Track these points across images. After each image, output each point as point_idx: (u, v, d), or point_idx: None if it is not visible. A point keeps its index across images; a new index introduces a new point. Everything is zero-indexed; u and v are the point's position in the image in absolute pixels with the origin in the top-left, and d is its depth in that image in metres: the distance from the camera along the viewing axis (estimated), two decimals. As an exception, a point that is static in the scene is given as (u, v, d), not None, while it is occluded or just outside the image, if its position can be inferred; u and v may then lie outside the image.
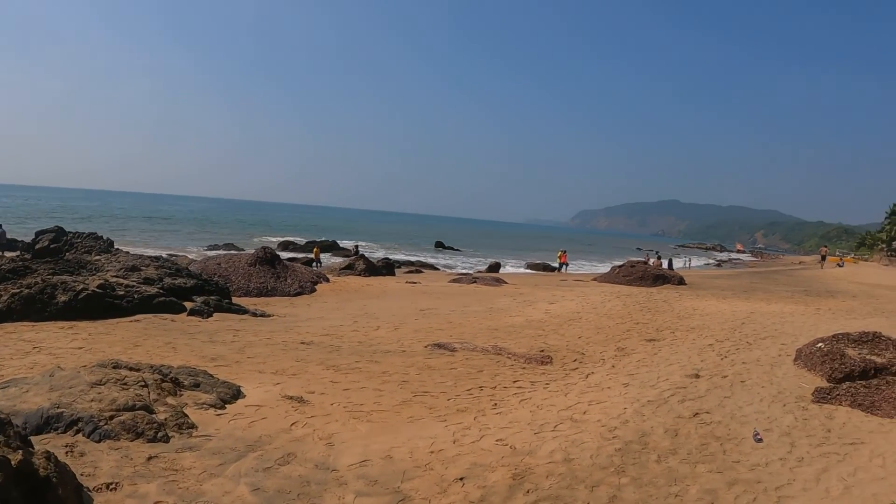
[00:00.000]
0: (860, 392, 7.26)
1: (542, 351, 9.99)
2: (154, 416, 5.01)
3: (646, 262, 31.49)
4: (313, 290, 17.34)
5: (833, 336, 9.62)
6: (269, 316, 12.90)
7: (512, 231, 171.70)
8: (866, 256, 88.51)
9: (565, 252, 38.86)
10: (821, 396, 7.45)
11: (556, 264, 38.71)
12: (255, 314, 12.74)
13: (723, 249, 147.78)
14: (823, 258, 50.81)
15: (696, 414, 6.74)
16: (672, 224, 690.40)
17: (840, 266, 47.49)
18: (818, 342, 9.72)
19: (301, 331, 11.09)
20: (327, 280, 19.34)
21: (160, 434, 4.78)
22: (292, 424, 5.58)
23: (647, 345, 11.07)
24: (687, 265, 49.79)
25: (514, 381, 7.89)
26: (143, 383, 5.56)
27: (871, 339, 8.95)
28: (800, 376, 8.70)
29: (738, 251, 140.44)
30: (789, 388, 8.08)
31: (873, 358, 8.27)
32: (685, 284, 24.40)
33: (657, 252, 45.13)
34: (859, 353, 8.51)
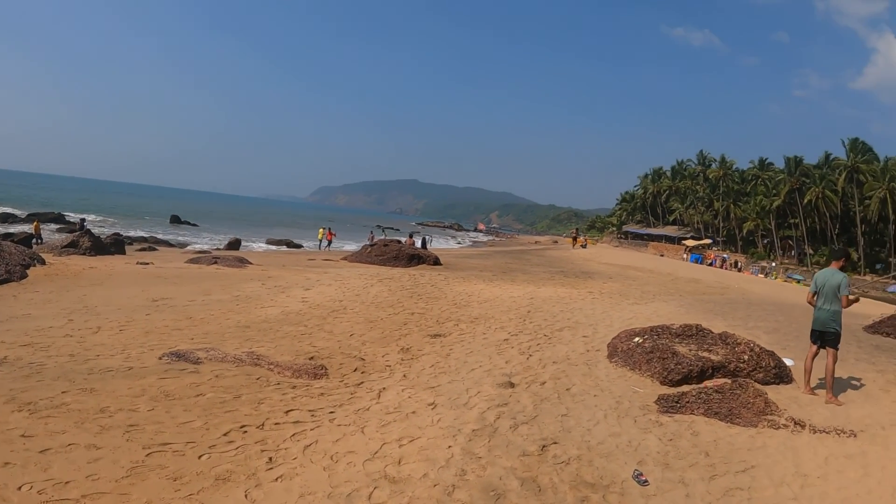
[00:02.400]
0: (713, 398, 6.86)
1: (312, 357, 8.08)
2: None
3: (370, 240, 33.88)
4: (24, 276, 14.24)
5: (651, 329, 9.49)
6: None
7: (250, 206, 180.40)
8: (597, 238, 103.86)
9: (331, 230, 40.71)
10: (669, 405, 6.89)
11: (305, 243, 40.72)
12: None
13: (460, 228, 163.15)
14: (575, 239, 58.38)
15: (544, 447, 5.52)
16: (410, 203, 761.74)
17: (584, 247, 55.28)
18: (632, 336, 9.51)
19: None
20: (43, 262, 16.07)
21: None
22: None
23: (432, 342, 9.94)
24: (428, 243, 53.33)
25: (288, 412, 5.86)
26: None
27: (696, 334, 8.93)
28: (626, 378, 8.24)
29: (479, 230, 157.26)
30: (624, 394, 7.47)
31: (708, 355, 8.11)
32: (441, 265, 24.87)
33: (411, 232, 47.41)
34: (690, 350, 8.32)
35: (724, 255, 71.52)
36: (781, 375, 8.17)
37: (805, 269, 67.06)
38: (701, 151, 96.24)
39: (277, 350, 8.32)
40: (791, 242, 75.70)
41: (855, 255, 65.61)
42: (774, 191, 74.37)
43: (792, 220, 73.47)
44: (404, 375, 7.76)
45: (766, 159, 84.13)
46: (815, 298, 7.88)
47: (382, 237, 43.13)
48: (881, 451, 6.04)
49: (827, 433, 6.40)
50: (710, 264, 63.05)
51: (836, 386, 7.85)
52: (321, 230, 42.28)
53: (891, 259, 63.13)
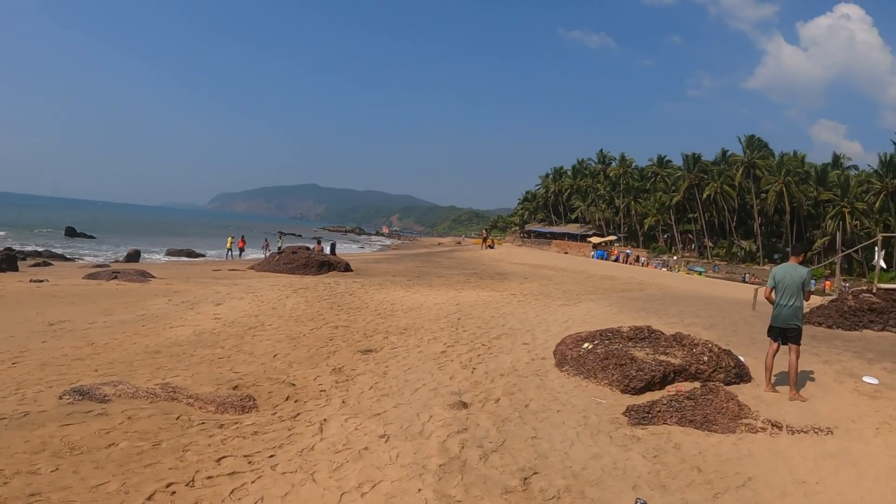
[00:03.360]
0: (686, 405, 6.59)
1: (236, 387, 7.21)
2: None
3: (265, 247, 35.98)
4: None
5: (599, 334, 9.24)
6: None
7: (148, 215, 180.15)
8: (499, 238, 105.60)
9: (243, 238, 40.69)
10: (640, 417, 6.56)
11: (207, 252, 40.22)
12: None
13: (362, 232, 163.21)
14: (484, 240, 59.29)
15: (526, 479, 5.02)
16: (311, 207, 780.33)
17: (492, 248, 55.97)
18: (579, 341, 9.23)
19: None
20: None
21: None
22: None
23: (365, 359, 9.29)
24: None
25: (220, 460, 5.01)
26: None
27: (649, 336, 8.74)
28: (583, 388, 7.91)
29: (383, 233, 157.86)
30: (588, 407, 7.11)
31: (667, 359, 7.89)
32: (352, 271, 24.33)
33: (319, 238, 46.44)
34: (648, 355, 8.07)
35: (627, 251, 74.46)
36: (741, 375, 8.07)
37: (706, 261, 70.79)
38: (601, 150, 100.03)
39: (195, 379, 7.37)
40: (691, 236, 79.72)
41: (753, 247, 69.94)
42: (674, 187, 78.19)
43: (691, 215, 77.35)
44: (343, 401, 7.05)
45: (664, 157, 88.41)
46: (772, 294, 7.78)
47: (279, 244, 41.97)
48: (862, 447, 6.02)
49: (805, 433, 6.33)
50: (615, 260, 65.46)
51: (786, 380, 7.88)
52: (230, 238, 41.34)
53: (787, 249, 67.42)
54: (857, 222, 60.23)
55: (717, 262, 70.55)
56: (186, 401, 6.36)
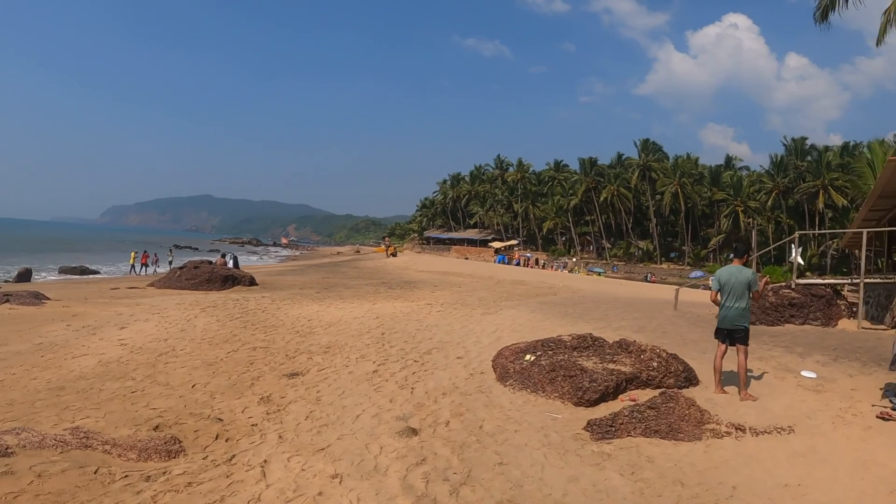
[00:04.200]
0: (648, 415, 6.44)
1: (157, 427, 6.39)
2: None
3: (154, 262, 36.59)
4: None
5: (541, 344, 9.05)
6: None
7: (36, 231, 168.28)
8: (398, 245, 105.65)
9: (146, 252, 39.56)
10: (603, 431, 6.35)
11: (102, 268, 38.75)
12: None
13: (259, 243, 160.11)
14: (387, 248, 59.26)
15: (507, 513, 4.59)
16: (205, 219, 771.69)
17: (395, 255, 55.85)
18: (519, 353, 9.00)
19: None
20: None
21: None
22: None
23: (293, 384, 8.65)
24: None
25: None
26: None
27: (593, 345, 8.62)
28: (533, 403, 7.67)
29: (283, 244, 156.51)
30: (545, 424, 6.85)
31: (618, 368, 7.75)
32: (258, 285, 23.51)
33: (223, 252, 44.67)
34: (596, 364, 7.90)
35: (528, 255, 76.05)
36: (690, 378, 8.09)
37: (604, 262, 73.35)
38: (498, 156, 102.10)
39: (109, 420, 6.49)
40: (589, 238, 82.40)
41: (650, 247, 73.05)
42: (571, 191, 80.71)
43: (589, 217, 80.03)
44: (280, 436, 6.40)
45: (561, 161, 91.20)
46: (718, 297, 7.81)
47: (169, 259, 40.10)
48: (826, 444, 6.13)
49: (768, 433, 6.39)
50: (517, 264, 66.68)
51: (730, 380, 8.03)
52: (133, 254, 39.83)
53: (684, 248, 70.91)
54: (751, 220, 64.28)
55: (615, 262, 73.31)
56: (102, 448, 5.53)
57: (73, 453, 5.33)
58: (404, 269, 39.89)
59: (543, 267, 66.63)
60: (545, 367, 8.15)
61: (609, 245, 78.36)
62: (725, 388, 7.84)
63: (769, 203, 64.45)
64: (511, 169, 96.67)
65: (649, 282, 54.89)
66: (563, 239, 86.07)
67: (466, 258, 75.42)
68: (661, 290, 33.20)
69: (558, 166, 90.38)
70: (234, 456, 5.73)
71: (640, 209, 76.04)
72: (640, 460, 5.71)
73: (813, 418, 6.86)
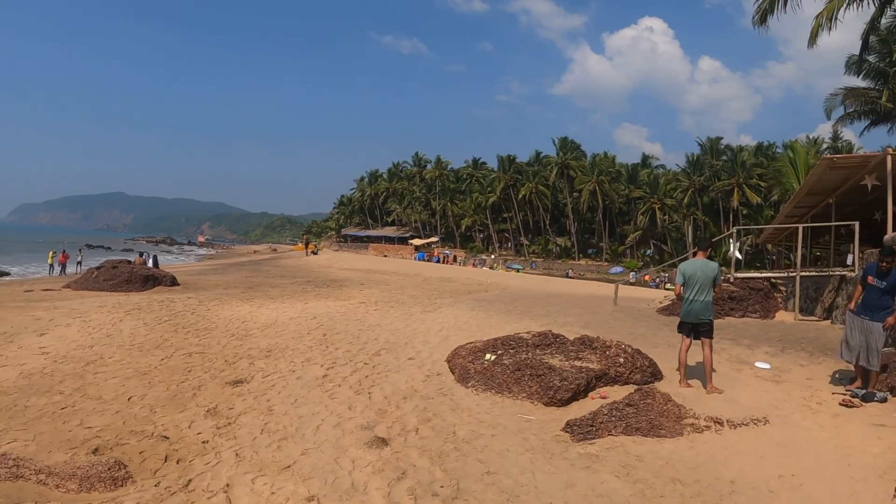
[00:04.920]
0: (628, 412, 6.33)
1: (97, 449, 5.71)
2: None
3: (60, 259, 35.39)
4: None
5: (500, 342, 8.86)
6: None
7: None
8: (314, 242, 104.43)
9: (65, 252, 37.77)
10: (584, 431, 6.19)
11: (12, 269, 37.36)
12: None
13: (173, 242, 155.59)
14: (307, 245, 58.39)
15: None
16: (118, 218, 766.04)
17: (315, 254, 55.01)
18: (477, 352, 8.77)
19: None
20: None
21: None
22: None
23: (239, 393, 8.08)
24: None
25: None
26: None
27: (555, 342, 8.50)
28: (500, 405, 7.47)
29: (200, 243, 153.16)
30: (520, 427, 6.65)
31: (585, 365, 7.62)
32: (179, 285, 22.50)
33: (139, 251, 42.51)
34: (563, 362, 7.75)
35: (447, 252, 76.34)
36: (655, 373, 8.09)
37: (523, 258, 74.37)
38: (416, 153, 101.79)
39: (39, 443, 5.77)
40: (507, 235, 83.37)
41: (568, 243, 74.60)
42: (489, 188, 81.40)
43: (507, 215, 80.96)
44: (237, 454, 5.86)
45: (479, 159, 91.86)
46: (682, 290, 7.77)
47: (79, 259, 38.25)
48: (803, 433, 6.22)
49: (745, 425, 6.41)
50: (437, 261, 66.81)
51: (691, 373, 8.13)
52: (51, 253, 37.53)
53: (602, 244, 72.74)
54: (667, 217, 66.59)
55: (534, 258, 74.47)
56: (37, 478, 4.87)
57: (2, 486, 4.67)
58: (327, 268, 39.07)
59: (461, 264, 66.98)
60: (509, 367, 7.93)
61: (527, 242, 79.57)
62: (690, 382, 7.84)
63: (685, 200, 67.13)
64: (429, 166, 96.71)
65: (570, 277, 56.00)
66: (482, 236, 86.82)
67: (385, 256, 75.01)
68: (590, 286, 33.83)
69: (477, 164, 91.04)
70: (190, 481, 5.15)
71: (559, 206, 77.60)
72: (630, 460, 5.57)
73: (781, 408, 6.95)
